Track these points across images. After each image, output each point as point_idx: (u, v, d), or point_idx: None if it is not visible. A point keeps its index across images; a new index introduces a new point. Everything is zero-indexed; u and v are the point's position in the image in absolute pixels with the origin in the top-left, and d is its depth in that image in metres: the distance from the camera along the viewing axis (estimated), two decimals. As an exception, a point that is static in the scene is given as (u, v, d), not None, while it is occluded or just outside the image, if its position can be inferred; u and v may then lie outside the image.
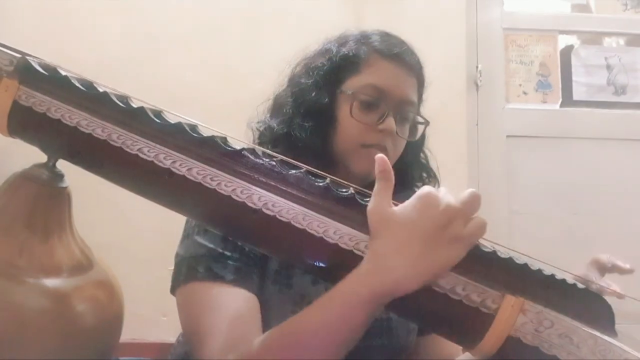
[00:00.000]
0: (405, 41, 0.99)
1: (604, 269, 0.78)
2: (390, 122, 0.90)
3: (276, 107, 0.98)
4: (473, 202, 0.61)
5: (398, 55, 0.94)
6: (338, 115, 0.92)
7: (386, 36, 0.97)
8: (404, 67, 0.94)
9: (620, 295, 0.75)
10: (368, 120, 0.90)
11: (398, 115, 0.92)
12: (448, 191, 0.63)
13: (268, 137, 0.95)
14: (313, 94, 0.93)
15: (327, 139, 0.92)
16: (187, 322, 0.82)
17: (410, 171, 1.01)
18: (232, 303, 0.78)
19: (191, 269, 0.83)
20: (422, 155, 1.04)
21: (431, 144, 1.05)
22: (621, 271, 0.77)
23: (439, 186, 1.03)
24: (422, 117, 0.97)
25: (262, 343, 0.67)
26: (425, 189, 0.62)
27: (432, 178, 1.04)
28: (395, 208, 0.62)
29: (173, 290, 0.85)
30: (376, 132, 0.90)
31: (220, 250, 0.83)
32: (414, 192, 0.99)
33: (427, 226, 0.60)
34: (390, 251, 0.60)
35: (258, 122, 0.99)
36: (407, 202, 0.62)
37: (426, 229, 0.60)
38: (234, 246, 0.83)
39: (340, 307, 0.61)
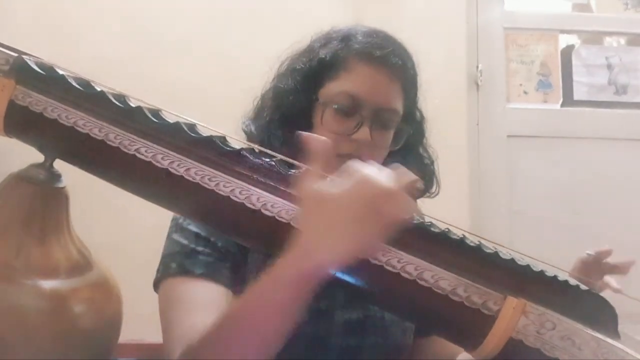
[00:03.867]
0: (393, 40, 0.94)
1: (588, 267, 0.77)
2: (365, 132, 0.87)
3: (258, 109, 0.97)
4: (400, 181, 0.61)
5: (379, 58, 0.89)
6: (314, 123, 0.90)
7: (371, 35, 0.92)
8: (386, 72, 0.89)
9: (617, 290, 0.74)
10: (341, 129, 0.87)
11: (375, 124, 0.88)
12: (377, 168, 0.62)
13: (250, 141, 0.94)
14: (290, 100, 0.91)
15: (303, 147, 0.89)
16: (160, 316, 0.84)
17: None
18: (199, 295, 0.80)
19: (166, 266, 0.86)
20: (421, 156, 1.01)
21: (431, 144, 1.03)
22: (603, 255, 0.76)
23: (438, 189, 1.01)
24: (404, 124, 0.93)
25: (210, 329, 0.67)
26: (354, 166, 0.61)
27: (429, 180, 1.00)
28: (320, 187, 0.60)
29: (155, 289, 0.88)
30: (350, 141, 0.87)
31: (193, 246, 0.86)
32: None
33: (350, 204, 0.59)
34: (313, 231, 0.59)
35: (244, 122, 0.97)
36: (337, 180, 0.61)
37: (349, 207, 0.59)
38: (206, 242, 0.86)
39: (272, 289, 0.61)
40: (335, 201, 0.59)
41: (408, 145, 0.96)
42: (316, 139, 0.63)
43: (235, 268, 0.86)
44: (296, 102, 0.91)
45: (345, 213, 0.58)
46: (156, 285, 0.87)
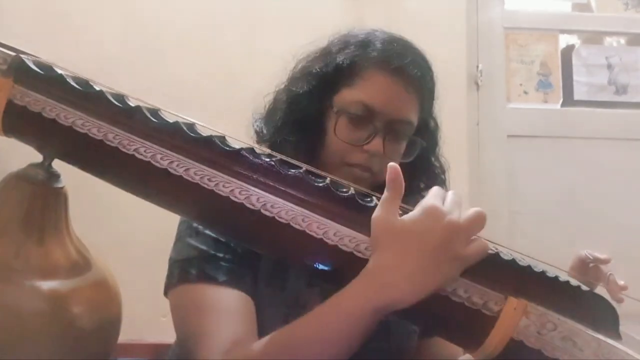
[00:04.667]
0: (413, 49, 0.92)
1: (586, 265, 0.77)
2: (377, 144, 0.85)
3: (270, 110, 0.96)
4: (477, 221, 0.60)
5: (397, 69, 0.86)
6: (327, 130, 0.88)
7: (390, 43, 0.90)
8: (403, 83, 0.87)
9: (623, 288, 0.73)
10: (354, 139, 0.86)
11: (389, 135, 0.86)
12: (455, 201, 0.61)
13: (260, 141, 0.93)
14: (304, 105, 0.89)
15: (314, 152, 0.87)
16: (181, 324, 0.81)
17: (415, 184, 0.96)
18: (226, 303, 0.78)
19: (183, 271, 0.83)
20: (433, 166, 0.99)
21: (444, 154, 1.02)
22: (601, 262, 0.76)
23: None
24: (418, 138, 0.91)
25: (259, 350, 0.66)
26: (431, 200, 0.61)
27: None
28: (398, 220, 0.60)
29: (166, 293, 0.85)
30: (362, 152, 0.85)
31: (213, 252, 0.83)
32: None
33: (428, 242, 0.59)
34: (390, 265, 0.59)
35: (256, 120, 0.96)
36: (412, 214, 0.60)
37: (427, 245, 0.58)
38: (227, 248, 0.83)
39: (337, 320, 0.61)
40: (411, 235, 0.59)
41: (421, 155, 0.94)
42: (396, 169, 0.62)
43: (252, 275, 0.84)
44: (309, 107, 0.89)
45: (422, 248, 0.58)
46: (170, 290, 0.84)
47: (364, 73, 0.87)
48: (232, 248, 0.83)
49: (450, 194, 0.63)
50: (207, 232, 0.85)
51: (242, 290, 0.80)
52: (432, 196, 0.62)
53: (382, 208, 0.61)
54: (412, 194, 0.97)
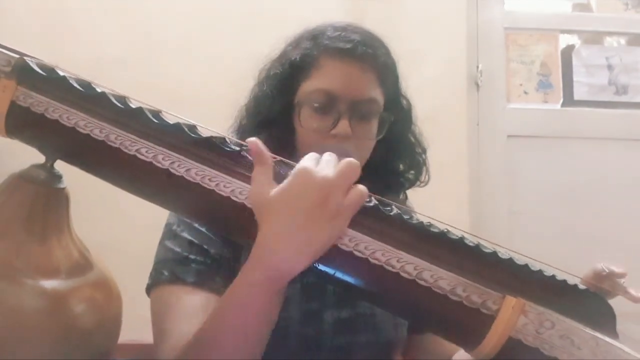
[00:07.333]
0: (362, 31, 0.93)
1: (600, 277, 0.76)
2: (344, 125, 0.86)
3: (240, 118, 0.98)
4: (349, 171, 0.60)
5: (348, 51, 0.89)
6: (295, 126, 0.90)
7: (338, 30, 0.92)
8: (356, 63, 0.88)
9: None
10: (321, 127, 0.88)
11: (354, 116, 0.88)
12: (327, 160, 0.61)
13: None
14: (268, 105, 0.92)
15: (289, 151, 0.88)
16: (152, 324, 0.83)
17: (395, 164, 0.99)
18: (189, 304, 0.79)
19: (158, 272, 0.86)
20: (412, 144, 1.01)
21: (431, 144, 1.04)
22: (617, 276, 0.76)
23: (428, 178, 1.02)
24: (386, 113, 0.92)
25: (190, 339, 0.67)
26: (301, 164, 0.60)
27: (419, 170, 1.01)
28: (274, 190, 0.60)
29: (147, 294, 0.88)
30: (332, 138, 0.87)
31: (186, 254, 0.85)
32: (404, 189, 1.00)
33: (305, 205, 0.58)
34: (273, 236, 0.59)
35: (229, 133, 0.97)
36: (285, 182, 0.60)
37: (304, 208, 0.58)
38: (199, 250, 0.85)
39: (242, 295, 0.61)
40: (286, 202, 0.59)
41: (396, 134, 0.96)
42: (254, 143, 0.62)
43: (228, 274, 0.85)
44: (274, 107, 0.91)
45: (298, 212, 0.58)
46: (148, 291, 0.87)
47: (317, 63, 0.90)
48: (205, 250, 0.85)
49: (325, 154, 0.62)
50: (184, 234, 0.87)
51: (211, 292, 0.81)
52: (304, 160, 0.61)
53: (254, 183, 0.61)
54: (392, 175, 0.99)
